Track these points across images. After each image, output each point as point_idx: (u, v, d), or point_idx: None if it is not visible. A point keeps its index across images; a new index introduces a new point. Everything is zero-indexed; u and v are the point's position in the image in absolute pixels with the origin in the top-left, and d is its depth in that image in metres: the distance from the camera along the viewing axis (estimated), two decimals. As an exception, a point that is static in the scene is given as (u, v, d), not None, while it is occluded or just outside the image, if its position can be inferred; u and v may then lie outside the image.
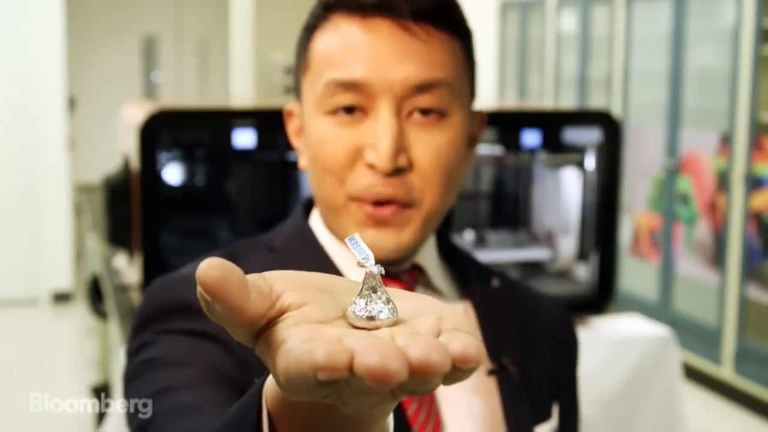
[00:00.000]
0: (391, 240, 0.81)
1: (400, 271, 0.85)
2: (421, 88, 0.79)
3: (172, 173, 2.48)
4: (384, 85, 0.78)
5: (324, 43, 0.81)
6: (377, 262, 0.79)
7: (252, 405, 0.49)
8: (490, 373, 0.84)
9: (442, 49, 0.80)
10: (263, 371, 0.50)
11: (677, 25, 4.43)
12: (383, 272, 0.48)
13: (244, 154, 2.52)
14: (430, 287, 0.88)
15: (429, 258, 0.88)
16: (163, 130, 2.19)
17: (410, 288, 0.84)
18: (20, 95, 5.62)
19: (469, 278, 0.90)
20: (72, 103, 6.48)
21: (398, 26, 0.78)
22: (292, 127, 0.90)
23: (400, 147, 0.78)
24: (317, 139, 0.81)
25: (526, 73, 6.05)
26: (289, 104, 0.90)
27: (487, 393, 0.84)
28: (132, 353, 0.82)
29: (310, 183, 0.85)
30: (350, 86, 0.79)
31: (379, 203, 0.80)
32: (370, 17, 0.79)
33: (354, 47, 0.78)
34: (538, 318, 0.93)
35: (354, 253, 0.48)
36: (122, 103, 2.65)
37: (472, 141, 0.89)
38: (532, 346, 0.89)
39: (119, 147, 2.45)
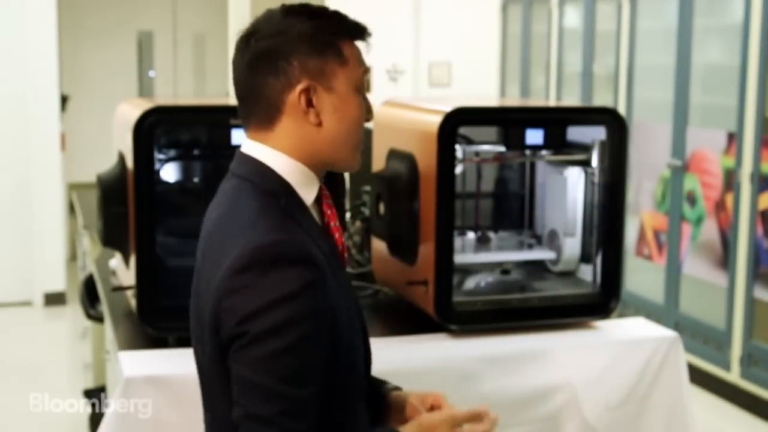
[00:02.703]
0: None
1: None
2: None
3: (168, 172, 2.44)
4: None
5: (349, 53, 1.37)
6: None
7: None
8: None
9: None
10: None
11: (683, 21, 4.37)
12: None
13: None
14: None
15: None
16: (159, 128, 2.15)
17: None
18: (12, 93, 5.55)
19: None
20: (63, 101, 6.39)
21: (364, 42, 1.41)
22: (304, 97, 1.32)
23: None
24: (359, 111, 1.37)
25: (529, 70, 6.00)
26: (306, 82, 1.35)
27: None
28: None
29: (335, 136, 1.35)
30: (366, 71, 1.41)
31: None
32: (359, 38, 1.40)
33: (361, 54, 1.41)
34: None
35: None
36: (117, 101, 2.60)
37: None
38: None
39: (114, 145, 2.41)
